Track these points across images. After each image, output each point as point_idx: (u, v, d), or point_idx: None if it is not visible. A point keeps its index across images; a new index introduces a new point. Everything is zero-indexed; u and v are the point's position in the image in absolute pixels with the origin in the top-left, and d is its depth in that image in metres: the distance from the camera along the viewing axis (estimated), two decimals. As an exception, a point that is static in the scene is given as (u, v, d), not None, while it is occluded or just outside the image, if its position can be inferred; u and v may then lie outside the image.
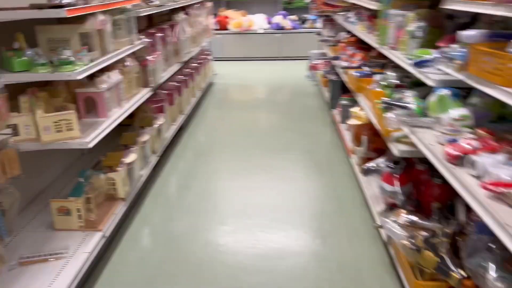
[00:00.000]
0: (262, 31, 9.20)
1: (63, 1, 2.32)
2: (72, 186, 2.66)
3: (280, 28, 9.15)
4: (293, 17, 9.42)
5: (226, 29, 9.17)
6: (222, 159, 4.25)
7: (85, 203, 2.62)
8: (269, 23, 9.37)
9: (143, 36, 3.71)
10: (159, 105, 4.13)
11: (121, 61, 3.16)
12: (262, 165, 4.05)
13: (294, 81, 7.40)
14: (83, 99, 2.74)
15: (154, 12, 3.92)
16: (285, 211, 3.20)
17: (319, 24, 8.75)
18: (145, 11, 3.65)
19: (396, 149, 2.40)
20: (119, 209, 2.84)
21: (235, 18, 9.17)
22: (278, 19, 9.20)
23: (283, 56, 9.23)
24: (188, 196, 3.50)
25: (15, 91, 2.37)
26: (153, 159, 3.69)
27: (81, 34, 2.56)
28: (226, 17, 9.26)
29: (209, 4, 6.98)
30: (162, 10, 4.24)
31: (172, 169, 3.99)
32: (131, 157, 3.08)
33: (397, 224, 2.37)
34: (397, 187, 2.55)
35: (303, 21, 9.42)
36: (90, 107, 2.80)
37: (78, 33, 2.52)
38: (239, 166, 4.05)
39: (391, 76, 3.01)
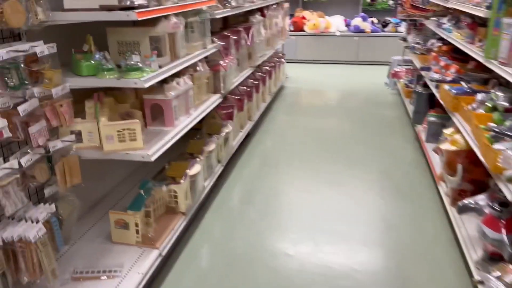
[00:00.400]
0: (339, 34, 8.76)
1: (135, 2, 2.16)
2: (132, 198, 2.51)
3: (359, 31, 8.64)
4: (374, 19, 8.86)
5: (302, 31, 8.84)
6: (289, 171, 3.95)
7: (143, 217, 2.46)
8: (347, 25, 8.90)
9: (217, 39, 3.51)
10: (228, 111, 3.93)
11: (192, 66, 2.97)
12: (331, 181, 3.70)
13: (371, 88, 6.91)
14: (149, 106, 2.58)
15: (229, 14, 3.71)
16: (355, 241, 2.83)
17: (402, 28, 8.14)
18: (221, 13, 3.45)
19: (510, 191, 1.94)
20: (179, 225, 2.66)
21: (312, 20, 8.80)
22: (357, 21, 8.70)
23: (361, 60, 8.72)
24: (252, 210, 3.25)
25: (84, 95, 2.26)
26: (218, 169, 3.49)
27: (152, 38, 2.39)
28: (303, 18, 8.93)
29: (286, 5, 6.70)
30: (238, 12, 4.03)
31: (236, 180, 3.77)
32: (195, 169, 2.89)
33: (503, 284, 1.93)
34: (503, 235, 2.09)
35: (385, 24, 8.82)
36: (157, 114, 2.63)
37: (149, 37, 2.35)
38: (306, 181, 3.73)
39: (500, 97, 2.52)
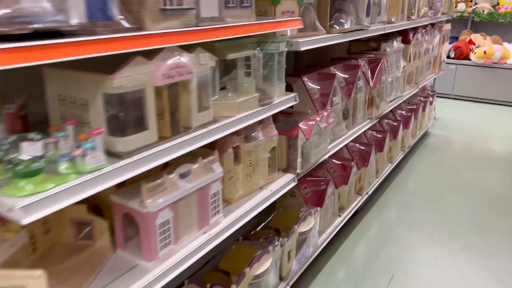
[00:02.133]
0: (520, 67, 6.43)
1: (57, 21, 0.96)
2: None
3: (552, 65, 6.19)
4: None
5: (466, 59, 6.75)
6: (423, 251, 2.37)
7: None
8: (535, 56, 6.49)
9: (307, 80, 2.15)
10: (318, 188, 2.52)
11: (237, 133, 1.69)
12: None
13: None
14: (121, 215, 1.38)
15: (329, 44, 2.24)
16: None
17: None
18: (313, 43, 2.04)
19: None
20: None
21: (483, 46, 6.64)
22: (551, 52, 6.26)
23: (549, 106, 6.26)
24: None
25: None
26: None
27: (114, 97, 1.16)
28: (470, 43, 6.82)
29: (447, 26, 4.88)
30: (348, 39, 2.52)
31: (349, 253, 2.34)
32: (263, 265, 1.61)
33: None
34: None
35: None
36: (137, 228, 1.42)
37: (103, 95, 1.13)
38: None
39: None
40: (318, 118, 2.05)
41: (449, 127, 5.52)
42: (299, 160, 2.01)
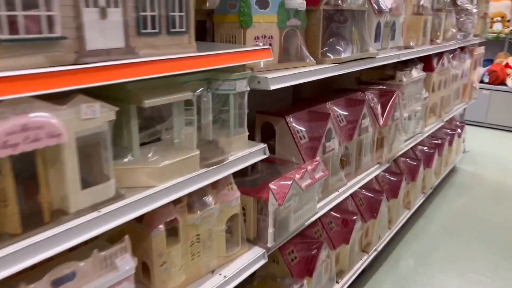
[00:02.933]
0: None
1: None
2: None
3: None
4: None
5: (502, 84, 6.07)
6: None
7: None
8: None
9: (291, 119, 1.67)
10: (305, 254, 2.01)
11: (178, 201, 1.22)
12: None
13: None
14: None
15: (318, 78, 1.72)
16: None
17: None
18: (285, 80, 1.53)
19: None
20: None
21: (521, 70, 5.96)
22: None
23: None
24: None
25: None
26: None
27: None
28: (506, 67, 6.15)
29: (480, 50, 4.28)
30: (358, 68, 1.98)
31: None
32: None
33: None
34: None
35: None
36: None
37: None
38: None
39: None
40: (297, 176, 1.55)
41: (480, 161, 4.86)
42: (270, 231, 1.51)
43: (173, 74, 1.04)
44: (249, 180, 1.77)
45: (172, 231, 1.30)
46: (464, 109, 4.53)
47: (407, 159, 3.19)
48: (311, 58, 1.72)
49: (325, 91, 2.57)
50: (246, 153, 1.36)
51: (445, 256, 2.97)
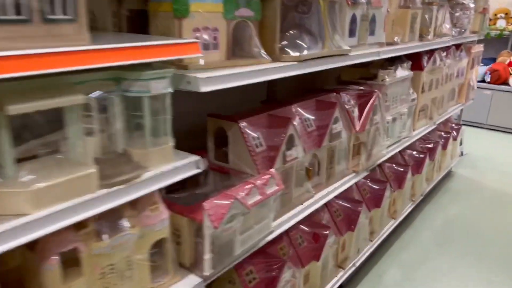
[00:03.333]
0: None
1: None
2: None
3: None
4: None
5: (504, 84, 5.79)
6: None
7: None
8: None
9: (244, 125, 1.44)
10: (267, 274, 1.78)
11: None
12: None
13: None
14: None
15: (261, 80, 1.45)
16: None
17: None
18: (222, 80, 1.28)
19: None
20: None
21: (525, 70, 5.67)
22: None
23: None
24: None
25: None
26: None
27: None
28: (509, 66, 5.86)
29: (478, 48, 4.00)
30: (324, 68, 1.69)
31: None
32: None
33: None
34: None
35: None
36: None
37: None
38: None
39: None
40: (241, 193, 1.32)
41: (479, 165, 4.59)
42: (207, 257, 1.28)
43: (49, 73, 0.82)
44: (190, 195, 1.54)
45: (77, 261, 1.08)
46: (461, 110, 4.26)
47: (394, 165, 2.94)
48: (266, 55, 1.49)
49: (308, 88, 2.34)
50: (170, 168, 1.13)
51: (433, 270, 2.73)
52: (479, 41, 4.21)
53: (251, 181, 1.38)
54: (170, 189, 1.58)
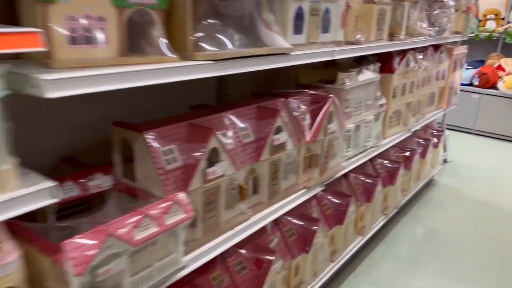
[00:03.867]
0: (561, 101, 5.15)
1: None
2: None
3: None
4: None
5: (493, 88, 5.52)
6: None
7: None
8: None
9: (150, 137, 1.16)
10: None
11: None
12: None
13: None
14: None
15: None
16: None
17: None
18: (82, 84, 0.99)
19: None
20: None
21: (514, 73, 5.41)
22: None
23: None
24: None
25: None
26: None
27: None
28: (499, 69, 5.59)
29: (460, 50, 3.72)
30: (250, 69, 1.39)
31: None
32: None
33: None
34: None
35: None
36: None
37: None
38: None
39: None
40: (123, 229, 1.03)
41: (464, 173, 4.31)
42: None
43: None
44: (87, 222, 1.26)
45: None
46: (444, 115, 3.99)
47: (362, 176, 2.66)
48: (172, 51, 1.20)
49: (271, 88, 2.07)
50: (5, 198, 0.85)
51: (401, 295, 2.46)
52: (465, 42, 3.94)
53: (142, 211, 1.10)
54: (60, 214, 1.30)
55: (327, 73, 2.35)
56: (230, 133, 1.50)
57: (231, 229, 1.52)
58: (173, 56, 1.21)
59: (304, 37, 1.71)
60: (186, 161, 1.35)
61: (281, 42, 1.54)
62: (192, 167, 1.33)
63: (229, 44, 1.33)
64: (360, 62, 2.45)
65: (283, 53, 1.52)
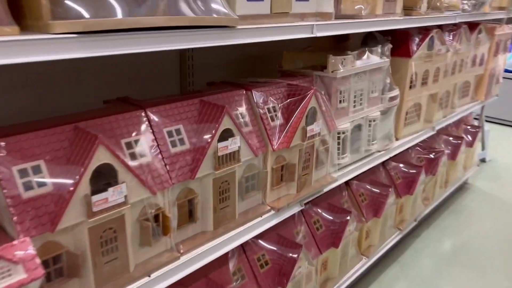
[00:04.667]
0: None
1: None
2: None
3: None
4: None
5: (544, 76, 4.71)
6: None
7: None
8: None
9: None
10: None
11: None
12: None
13: None
14: None
15: None
16: None
17: None
18: None
19: None
20: None
21: None
22: None
23: None
24: None
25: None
26: None
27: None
28: (552, 53, 4.75)
29: (507, 28, 3.04)
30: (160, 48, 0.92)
31: None
32: None
33: None
34: None
35: None
36: None
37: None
38: None
39: None
40: None
41: (504, 176, 3.64)
42: None
43: None
44: None
45: None
46: (482, 108, 3.34)
47: (369, 185, 2.13)
48: (10, 20, 0.75)
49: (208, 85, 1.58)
50: None
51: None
52: (510, 21, 3.25)
53: None
54: None
55: (322, 57, 1.83)
56: (143, 141, 1.04)
57: (148, 275, 1.07)
58: (9, 26, 0.75)
59: (267, 5, 1.21)
60: (57, 186, 0.90)
61: (223, 9, 1.05)
62: (68, 193, 0.89)
63: (119, 10, 0.86)
64: (366, 42, 1.91)
65: (220, 26, 1.03)
